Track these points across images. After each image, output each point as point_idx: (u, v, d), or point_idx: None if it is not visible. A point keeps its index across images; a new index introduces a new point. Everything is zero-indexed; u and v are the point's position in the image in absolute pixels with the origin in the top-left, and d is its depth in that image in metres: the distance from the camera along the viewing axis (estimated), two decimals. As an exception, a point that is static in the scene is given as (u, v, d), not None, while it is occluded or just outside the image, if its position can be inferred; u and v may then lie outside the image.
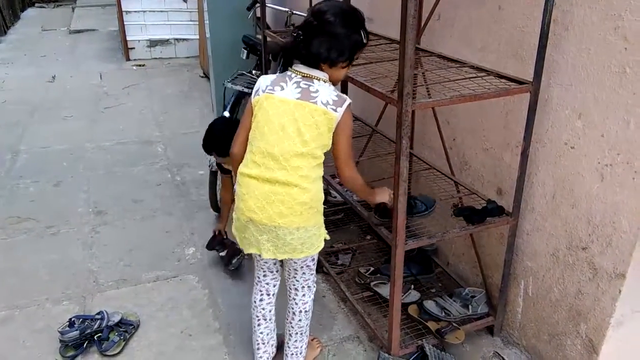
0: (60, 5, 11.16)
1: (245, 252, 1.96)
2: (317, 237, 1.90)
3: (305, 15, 1.81)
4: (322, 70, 1.78)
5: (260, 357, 2.18)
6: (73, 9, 10.25)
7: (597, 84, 1.77)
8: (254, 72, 4.59)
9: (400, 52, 1.68)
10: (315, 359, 2.28)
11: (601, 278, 1.87)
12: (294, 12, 3.96)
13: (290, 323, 2.11)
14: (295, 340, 2.13)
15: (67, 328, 2.32)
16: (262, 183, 1.80)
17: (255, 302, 2.12)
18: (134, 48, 7.17)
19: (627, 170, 1.72)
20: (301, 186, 1.78)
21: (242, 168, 1.86)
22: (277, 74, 1.84)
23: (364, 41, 1.77)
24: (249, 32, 4.66)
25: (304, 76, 1.77)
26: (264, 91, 1.80)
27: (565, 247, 2.01)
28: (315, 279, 2.10)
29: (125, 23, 7.05)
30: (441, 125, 2.54)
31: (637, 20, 1.61)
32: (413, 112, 2.66)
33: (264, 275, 2.09)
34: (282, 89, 1.77)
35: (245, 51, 4.54)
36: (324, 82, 1.78)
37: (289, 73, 1.81)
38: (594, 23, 1.75)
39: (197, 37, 6.86)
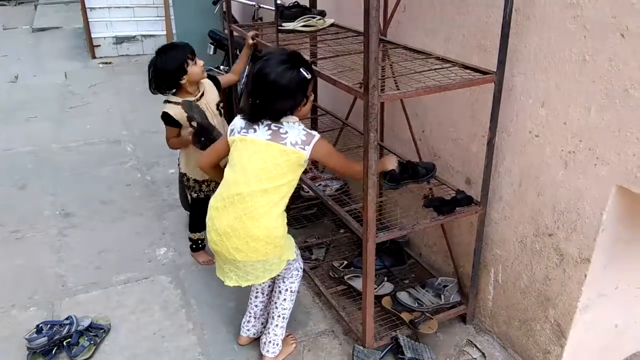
0: (22, 2, 10.82)
1: (217, 275, 2.09)
2: (277, 264, 2.03)
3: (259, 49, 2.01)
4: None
5: (249, 330, 2.28)
6: (35, 6, 9.95)
7: (559, 73, 1.80)
8: (221, 67, 4.54)
9: (365, 44, 1.67)
10: (290, 355, 2.27)
11: (567, 263, 1.91)
12: (261, 5, 3.92)
13: (275, 303, 2.16)
14: (276, 326, 2.16)
15: (35, 335, 2.26)
16: (224, 216, 1.92)
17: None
18: (99, 45, 7.00)
19: (589, 156, 1.75)
20: (257, 223, 1.89)
21: (211, 201, 2.00)
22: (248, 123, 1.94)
23: (309, 77, 1.88)
24: (216, 26, 4.59)
25: (274, 123, 1.91)
26: (239, 132, 1.93)
27: (532, 234, 2.04)
28: (301, 265, 2.20)
29: (89, 20, 6.87)
30: (410, 117, 2.55)
31: (595, 9, 1.63)
32: (382, 104, 2.68)
33: None
34: (255, 131, 1.90)
35: (212, 46, 4.48)
36: (293, 122, 1.92)
37: (257, 124, 1.92)
38: (555, 12, 1.77)
39: (165, 33, 6.74)
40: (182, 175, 2.77)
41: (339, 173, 2.08)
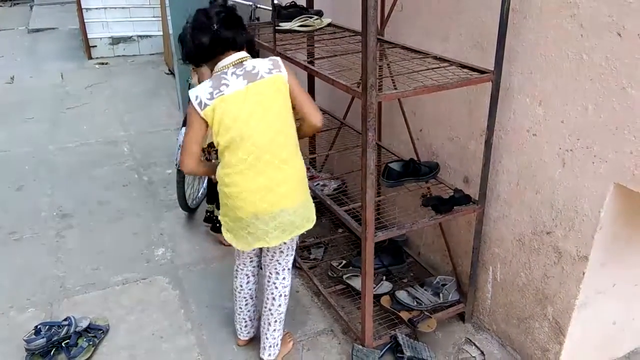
0: (18, 3, 10.79)
1: (249, 248, 1.98)
2: (310, 208, 2.01)
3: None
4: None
5: (248, 332, 2.29)
6: (31, 7, 9.92)
7: (556, 71, 1.81)
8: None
9: (363, 44, 1.67)
10: (288, 354, 2.27)
11: (565, 261, 1.92)
12: (258, 5, 3.91)
13: (270, 310, 2.13)
14: (274, 330, 2.15)
15: (33, 336, 2.25)
16: (255, 175, 1.85)
17: (241, 286, 2.20)
18: (95, 46, 6.98)
19: (587, 154, 1.76)
20: (290, 162, 1.88)
21: (226, 170, 1.87)
22: (208, 81, 1.88)
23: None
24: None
25: (234, 65, 1.86)
26: (209, 99, 1.82)
27: (530, 232, 2.05)
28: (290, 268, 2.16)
29: (85, 20, 6.85)
30: (408, 117, 2.55)
31: (592, 8, 1.64)
32: (380, 104, 2.68)
33: (250, 261, 2.18)
34: (227, 86, 1.82)
35: (210, 47, 4.46)
36: (250, 57, 1.90)
37: (218, 73, 1.86)
38: (551, 11, 1.78)
39: (161, 33, 6.72)
40: (210, 147, 2.72)
41: (307, 113, 1.93)
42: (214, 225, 3.05)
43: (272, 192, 1.86)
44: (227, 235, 2.01)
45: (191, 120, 1.86)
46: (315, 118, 1.95)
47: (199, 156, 1.93)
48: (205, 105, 1.82)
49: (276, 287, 2.11)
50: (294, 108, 1.92)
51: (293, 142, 1.91)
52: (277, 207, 1.87)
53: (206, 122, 1.85)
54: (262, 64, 1.86)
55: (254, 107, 1.82)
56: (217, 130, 1.83)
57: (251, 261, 2.18)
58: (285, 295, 2.13)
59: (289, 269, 2.12)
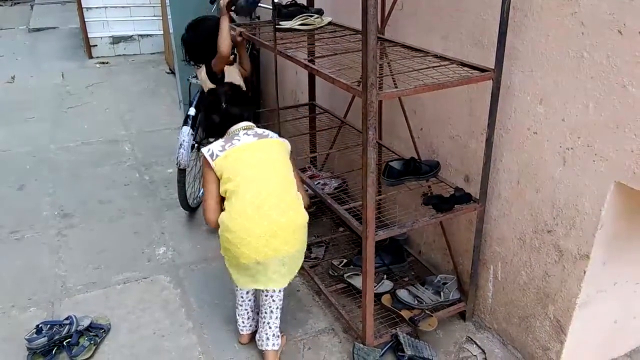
0: (18, 3, 10.78)
1: (251, 288, 2.12)
2: (302, 255, 2.14)
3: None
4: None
5: (251, 325, 2.31)
6: (32, 6, 9.91)
7: (557, 69, 1.80)
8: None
9: (363, 42, 1.67)
10: (287, 351, 2.29)
11: (566, 260, 1.92)
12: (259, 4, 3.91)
13: (272, 296, 2.15)
14: (276, 317, 2.18)
15: (35, 335, 2.26)
16: (259, 220, 1.93)
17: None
18: (96, 45, 6.98)
19: (588, 153, 1.76)
20: (294, 207, 2.01)
21: (232, 215, 1.97)
22: (221, 139, 2.10)
23: None
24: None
25: (244, 129, 2.10)
26: (221, 151, 2.02)
27: (531, 231, 2.05)
28: None
29: (86, 20, 6.84)
30: (408, 115, 2.55)
31: (593, 6, 1.63)
32: (380, 102, 2.68)
33: None
34: (239, 140, 2.05)
35: (210, 46, 4.46)
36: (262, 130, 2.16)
37: (230, 135, 2.09)
38: (552, 9, 1.77)
39: (162, 32, 6.72)
40: None
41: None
42: None
43: (275, 236, 1.95)
44: (230, 270, 2.09)
45: (205, 178, 2.05)
46: (304, 200, 2.14)
47: (219, 209, 2.06)
48: (217, 156, 2.01)
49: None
50: None
51: (295, 192, 2.06)
52: (280, 253, 1.97)
53: (217, 175, 2.02)
54: (270, 132, 2.13)
55: (262, 154, 2.04)
56: (227, 176, 1.98)
57: None
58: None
59: None
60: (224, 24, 2.61)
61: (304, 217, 2.05)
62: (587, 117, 1.73)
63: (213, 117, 2.14)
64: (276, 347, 2.19)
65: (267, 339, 2.18)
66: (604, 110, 1.67)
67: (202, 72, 2.76)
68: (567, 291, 1.94)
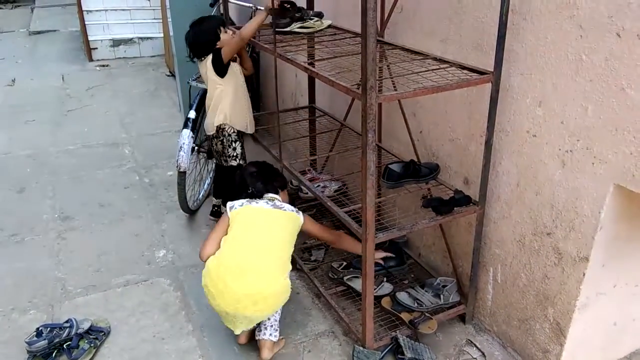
0: (19, 6, 10.80)
1: (235, 331, 2.20)
2: (278, 309, 2.24)
3: None
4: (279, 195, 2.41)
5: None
6: (32, 9, 9.94)
7: (556, 72, 1.81)
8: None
9: (362, 45, 1.68)
10: (285, 352, 2.30)
11: (566, 262, 1.92)
12: (258, 7, 3.92)
13: None
14: (277, 313, 2.22)
15: (35, 338, 2.26)
16: (238, 278, 2.07)
17: None
18: (96, 48, 6.99)
19: (587, 155, 1.76)
20: (272, 280, 2.11)
21: (213, 262, 2.16)
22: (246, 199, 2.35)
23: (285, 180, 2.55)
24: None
25: (269, 199, 2.34)
26: (240, 206, 2.28)
27: (530, 233, 2.05)
28: None
29: (86, 23, 6.86)
30: (408, 118, 2.56)
31: (591, 9, 1.64)
32: (380, 105, 2.68)
33: None
34: (257, 203, 2.29)
35: (210, 48, 4.46)
36: (282, 201, 2.38)
37: (256, 200, 2.33)
38: (551, 12, 1.78)
39: (162, 35, 6.73)
40: (218, 132, 2.90)
41: (326, 240, 2.59)
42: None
43: (247, 299, 2.05)
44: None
45: (220, 221, 2.30)
46: (336, 243, 2.53)
47: (214, 248, 2.24)
48: (235, 208, 2.28)
49: None
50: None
51: (284, 266, 2.18)
52: (247, 312, 2.07)
53: (230, 223, 2.25)
54: (289, 206, 2.33)
55: (264, 223, 2.23)
56: (232, 225, 2.22)
57: None
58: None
59: None
60: (259, 17, 2.72)
61: (280, 287, 2.14)
62: (586, 120, 1.74)
63: (241, 195, 2.38)
64: (273, 338, 2.22)
65: (265, 329, 2.22)
66: (603, 113, 1.67)
67: (208, 61, 2.78)
68: (567, 293, 1.94)
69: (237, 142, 2.92)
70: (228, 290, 2.06)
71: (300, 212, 2.34)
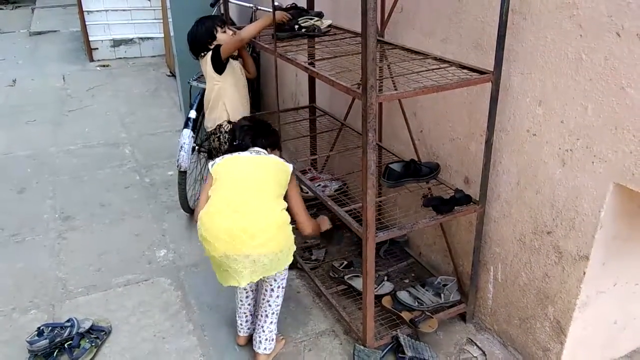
0: (19, 6, 10.81)
1: (225, 285, 2.07)
2: (286, 255, 2.05)
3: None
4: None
5: (248, 328, 2.32)
6: (32, 10, 9.94)
7: (555, 72, 1.81)
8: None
9: (363, 45, 1.68)
10: (284, 353, 2.30)
11: (566, 261, 1.92)
12: (259, 7, 3.93)
13: (268, 301, 2.17)
14: (271, 323, 2.19)
15: (36, 337, 2.26)
16: (230, 215, 1.97)
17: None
18: (97, 48, 7.00)
19: (587, 154, 1.77)
20: (268, 211, 2.00)
21: (203, 211, 2.04)
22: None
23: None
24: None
25: (254, 151, 2.19)
26: (220, 160, 2.14)
27: (531, 232, 2.05)
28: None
29: (87, 23, 6.87)
30: (408, 117, 2.56)
31: (591, 8, 1.64)
32: (380, 105, 2.69)
33: None
34: (239, 154, 2.16)
35: (211, 48, 4.47)
36: (267, 154, 2.22)
37: (239, 152, 2.19)
38: (551, 11, 1.78)
39: (162, 35, 6.74)
40: (216, 129, 2.92)
41: (295, 213, 2.18)
42: None
43: (244, 232, 1.94)
44: (212, 265, 2.11)
45: (206, 181, 2.17)
46: (302, 225, 2.22)
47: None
48: (216, 163, 2.14)
49: (275, 280, 2.16)
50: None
51: (277, 200, 2.06)
52: (247, 250, 1.94)
53: (213, 178, 2.11)
54: (274, 156, 2.20)
55: (249, 162, 2.13)
56: (215, 177, 2.09)
57: None
58: (282, 287, 2.20)
59: (285, 269, 2.16)
60: (262, 21, 2.75)
61: (278, 217, 2.01)
62: (585, 119, 1.74)
63: (230, 148, 2.28)
64: (267, 352, 2.20)
65: (260, 342, 2.20)
66: (603, 112, 1.68)
67: (207, 57, 2.81)
68: (567, 292, 1.94)
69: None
70: (222, 229, 1.95)
71: (289, 164, 2.18)
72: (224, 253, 1.95)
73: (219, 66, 2.80)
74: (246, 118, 2.47)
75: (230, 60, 2.85)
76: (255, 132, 2.27)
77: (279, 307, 2.20)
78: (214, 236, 1.96)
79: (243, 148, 2.21)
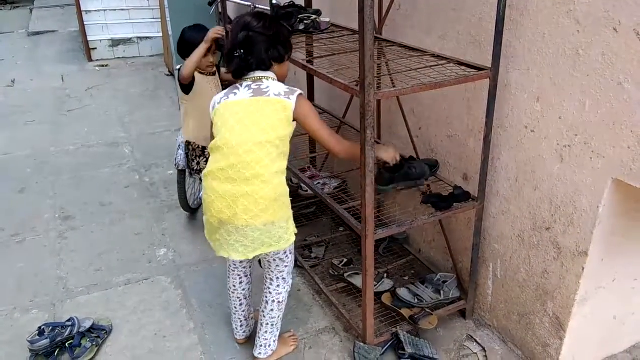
0: (17, 6, 10.80)
1: (217, 254, 2.00)
2: (285, 230, 1.95)
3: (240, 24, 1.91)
4: (271, 71, 1.95)
5: (244, 332, 2.31)
6: (31, 10, 9.93)
7: (553, 67, 1.81)
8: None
9: (360, 42, 1.68)
10: (287, 355, 2.28)
11: (565, 257, 1.93)
12: (257, 5, 3.92)
13: (263, 312, 2.15)
14: (266, 332, 2.16)
15: (37, 337, 2.27)
16: (224, 182, 1.87)
17: (234, 286, 2.20)
18: (95, 48, 7.00)
19: (585, 150, 1.77)
20: (262, 179, 1.85)
21: (205, 172, 1.95)
22: (228, 88, 1.98)
23: (290, 31, 2.05)
24: (211, 27, 4.59)
25: (253, 80, 1.92)
26: (218, 103, 1.93)
27: (530, 228, 2.06)
28: (290, 271, 2.13)
29: (85, 23, 6.87)
30: (407, 115, 2.56)
31: (589, 4, 1.64)
32: (378, 102, 2.69)
33: (240, 262, 2.15)
34: (235, 94, 1.91)
35: (209, 47, 4.47)
36: (273, 79, 1.94)
37: (238, 84, 1.94)
38: (548, 7, 1.78)
39: (161, 34, 6.74)
40: (186, 146, 2.93)
41: (322, 141, 1.96)
42: None
43: (236, 202, 1.85)
44: (207, 237, 2.04)
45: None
46: (332, 150, 1.98)
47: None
48: (214, 107, 1.94)
49: (270, 293, 2.12)
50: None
51: (274, 163, 1.88)
52: (240, 221, 1.85)
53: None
54: (277, 87, 1.90)
55: (245, 116, 1.86)
56: (214, 131, 1.94)
57: (241, 262, 2.15)
58: (278, 302, 2.12)
59: (283, 278, 2.11)
60: (199, 50, 2.71)
61: (276, 190, 1.88)
62: (583, 115, 1.74)
63: (230, 67, 1.94)
64: (262, 356, 2.19)
65: (256, 346, 2.20)
66: (601, 108, 1.68)
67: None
68: (566, 288, 1.95)
69: (202, 157, 2.92)
70: (218, 196, 1.87)
71: (294, 93, 1.89)
72: (219, 219, 1.89)
73: (183, 87, 2.81)
74: (251, 15, 1.95)
75: (201, 79, 2.83)
76: (250, 47, 1.88)
77: (274, 319, 2.15)
78: (210, 201, 1.90)
79: (240, 75, 1.93)
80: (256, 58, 1.89)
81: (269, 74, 1.93)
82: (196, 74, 2.80)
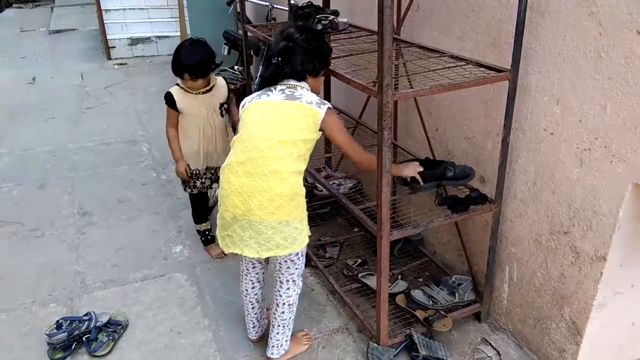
0: (39, 5, 10.97)
1: (227, 251, 2.01)
2: (299, 231, 1.96)
3: (278, 31, 2.00)
4: (305, 82, 2.00)
5: (257, 332, 2.32)
6: (52, 8, 10.09)
7: (574, 70, 1.79)
8: (235, 67, 4.57)
9: (379, 43, 1.68)
10: (301, 354, 2.29)
11: (583, 261, 1.90)
12: (275, 5, 3.94)
13: (274, 314, 2.15)
14: (277, 333, 2.17)
15: (55, 330, 2.31)
16: (241, 176, 1.89)
17: (246, 290, 2.22)
18: (115, 47, 7.08)
19: (605, 154, 1.75)
20: (280, 176, 1.86)
21: (223, 165, 1.97)
22: (262, 90, 2.02)
23: (330, 48, 2.10)
24: (229, 27, 4.62)
25: (287, 86, 1.96)
26: (249, 101, 1.99)
27: (547, 232, 2.04)
28: (300, 273, 2.12)
29: (105, 21, 6.95)
30: (423, 116, 2.55)
31: (611, 6, 1.62)
32: (395, 103, 2.68)
33: (253, 267, 2.17)
34: (268, 96, 1.96)
35: (226, 47, 4.51)
36: (307, 90, 1.98)
37: (272, 87, 1.98)
38: (569, 9, 1.77)
39: (179, 34, 6.80)
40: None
41: (346, 152, 2.01)
42: (205, 239, 3.06)
43: (252, 198, 1.86)
44: (218, 233, 2.05)
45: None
46: (355, 161, 2.04)
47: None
48: (244, 106, 2.00)
49: (280, 295, 2.12)
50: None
51: (293, 163, 1.89)
52: (254, 216, 1.86)
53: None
54: (309, 96, 1.94)
55: (273, 115, 1.90)
56: (238, 127, 2.00)
57: (254, 267, 2.16)
58: (289, 304, 2.12)
59: (293, 281, 2.10)
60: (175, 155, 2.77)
61: (293, 189, 1.88)
62: (604, 118, 1.72)
63: (264, 74, 2.02)
64: (274, 356, 2.19)
65: (268, 346, 2.21)
66: (622, 111, 1.66)
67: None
68: (584, 293, 1.92)
69: (190, 187, 2.90)
70: (234, 190, 1.89)
71: (325, 104, 1.93)
72: (233, 214, 1.90)
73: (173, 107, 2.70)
74: (285, 28, 2.01)
75: (188, 99, 2.67)
76: (287, 57, 1.93)
77: (285, 322, 2.15)
78: (226, 195, 1.92)
79: (272, 82, 1.98)
80: (291, 68, 1.94)
81: (303, 84, 1.98)
82: (181, 94, 2.65)
